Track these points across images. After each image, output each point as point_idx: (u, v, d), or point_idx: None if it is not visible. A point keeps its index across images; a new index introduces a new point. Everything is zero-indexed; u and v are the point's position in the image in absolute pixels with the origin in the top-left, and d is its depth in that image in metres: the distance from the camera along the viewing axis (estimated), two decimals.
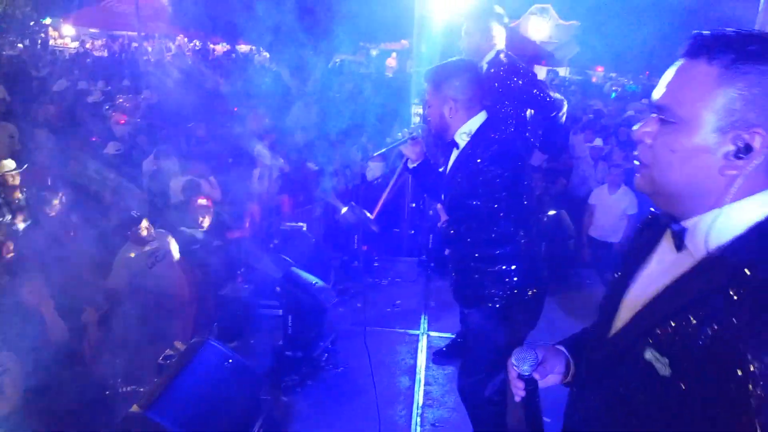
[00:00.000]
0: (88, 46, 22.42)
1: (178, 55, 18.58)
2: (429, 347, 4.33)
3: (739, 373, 0.90)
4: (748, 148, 0.99)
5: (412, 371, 4.05)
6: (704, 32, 1.04)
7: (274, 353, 3.98)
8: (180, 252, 4.82)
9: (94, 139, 7.74)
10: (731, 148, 1.00)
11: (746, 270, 0.95)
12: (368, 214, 3.10)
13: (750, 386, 0.89)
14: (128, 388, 3.74)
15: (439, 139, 2.72)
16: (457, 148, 2.63)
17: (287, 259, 4.28)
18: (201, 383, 3.05)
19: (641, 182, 1.14)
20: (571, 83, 14.59)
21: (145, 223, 4.64)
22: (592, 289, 5.42)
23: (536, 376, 1.39)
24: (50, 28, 24.94)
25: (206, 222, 5.17)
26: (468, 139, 2.58)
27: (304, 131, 8.65)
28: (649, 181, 1.11)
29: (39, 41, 21.84)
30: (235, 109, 10.17)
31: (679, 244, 1.10)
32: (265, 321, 4.42)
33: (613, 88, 15.68)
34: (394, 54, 17.02)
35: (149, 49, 18.77)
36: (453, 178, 2.63)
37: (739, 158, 0.99)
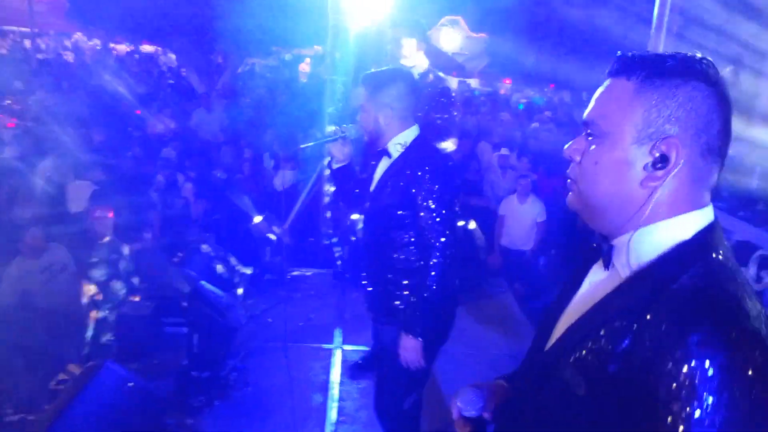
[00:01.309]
0: None
1: (76, 53, 17.59)
2: (344, 362, 4.26)
3: (651, 390, 0.90)
4: (664, 159, 1.02)
5: (325, 387, 3.97)
6: (626, 54, 1.10)
7: (178, 373, 3.79)
8: (76, 266, 4.50)
9: None
10: (649, 159, 1.04)
11: (666, 284, 0.97)
12: (277, 229, 3.02)
13: (664, 403, 0.88)
14: (16, 417, 3.47)
15: (370, 146, 2.67)
16: (389, 157, 2.59)
17: (192, 273, 4.10)
18: (98, 409, 2.89)
19: (572, 198, 1.17)
20: (481, 94, 15.03)
21: (37, 234, 4.30)
22: (502, 297, 5.55)
23: (486, 415, 1.37)
24: None
25: (107, 234, 4.85)
26: (402, 150, 2.55)
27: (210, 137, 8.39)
28: (578, 196, 1.14)
29: None
30: (138, 112, 9.74)
31: (608, 263, 1.13)
32: (168, 339, 4.21)
33: (521, 100, 16.28)
34: (307, 59, 16.86)
35: (43, 46, 17.64)
36: (382, 187, 2.59)
37: (658, 169, 1.03)
